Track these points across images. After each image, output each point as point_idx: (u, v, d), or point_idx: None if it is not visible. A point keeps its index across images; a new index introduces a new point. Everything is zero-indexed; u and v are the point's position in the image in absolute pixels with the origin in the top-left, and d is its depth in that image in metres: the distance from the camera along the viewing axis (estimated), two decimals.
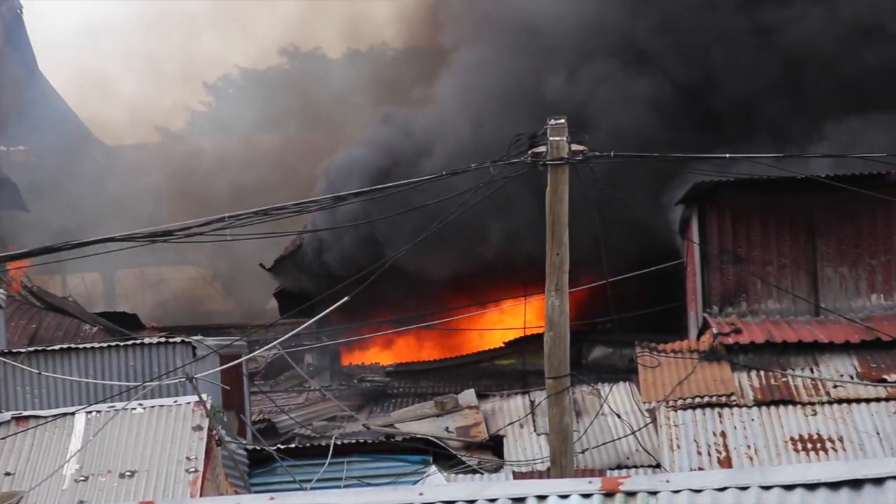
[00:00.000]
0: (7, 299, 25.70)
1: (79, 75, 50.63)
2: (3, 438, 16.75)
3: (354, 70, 49.37)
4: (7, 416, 17.31)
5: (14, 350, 21.75)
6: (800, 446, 19.02)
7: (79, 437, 16.75)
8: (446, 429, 22.73)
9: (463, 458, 21.47)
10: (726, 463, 18.74)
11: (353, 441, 20.77)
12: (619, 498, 7.90)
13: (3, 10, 44.00)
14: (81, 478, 16.22)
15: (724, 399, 19.86)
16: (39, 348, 21.69)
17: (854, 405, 19.67)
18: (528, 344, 33.36)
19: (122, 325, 34.92)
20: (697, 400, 19.89)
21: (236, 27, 54.04)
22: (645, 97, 32.99)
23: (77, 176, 44.75)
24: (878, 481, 7.83)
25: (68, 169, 44.72)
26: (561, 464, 15.84)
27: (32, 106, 44.49)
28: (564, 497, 7.93)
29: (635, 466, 21.14)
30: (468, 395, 23.94)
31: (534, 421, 22.58)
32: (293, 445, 21.39)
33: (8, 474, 16.42)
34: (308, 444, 21.16)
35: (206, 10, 54.29)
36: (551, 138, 16.06)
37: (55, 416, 17.09)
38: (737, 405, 19.76)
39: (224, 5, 53.67)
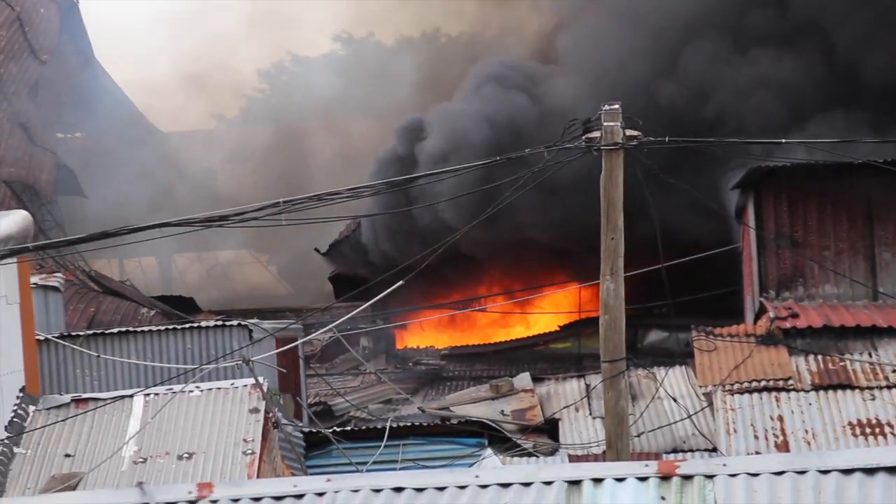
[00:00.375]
0: (65, 284, 25.94)
1: (134, 62, 50.96)
2: (63, 420, 16.92)
3: (408, 56, 49.39)
4: (67, 398, 17.49)
5: (73, 333, 21.97)
6: (858, 431, 18.90)
7: (137, 420, 16.90)
8: (501, 412, 22.73)
9: (518, 441, 21.48)
10: (783, 447, 18.65)
11: (409, 424, 20.82)
12: (675, 481, 7.88)
13: None
14: (140, 459, 16.37)
15: (781, 383, 19.77)
16: (98, 331, 21.91)
17: None
18: (584, 327, 33.34)
19: (179, 308, 35.19)
20: (754, 384, 19.81)
21: (290, 14, 54.11)
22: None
23: (133, 161, 45.06)
24: None
25: (124, 155, 45.04)
26: (616, 447, 15.82)
27: (89, 93, 44.82)
28: (621, 480, 7.92)
29: (691, 450, 21.07)
30: (523, 379, 23.93)
31: (589, 404, 22.55)
32: (349, 428, 21.47)
33: (68, 456, 16.60)
34: (364, 427, 21.22)
35: None
36: (605, 123, 16.03)
37: (114, 399, 17.24)
38: (794, 389, 19.66)
39: None
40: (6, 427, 16.68)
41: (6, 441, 16.44)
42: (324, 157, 48.30)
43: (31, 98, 41.00)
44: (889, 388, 19.58)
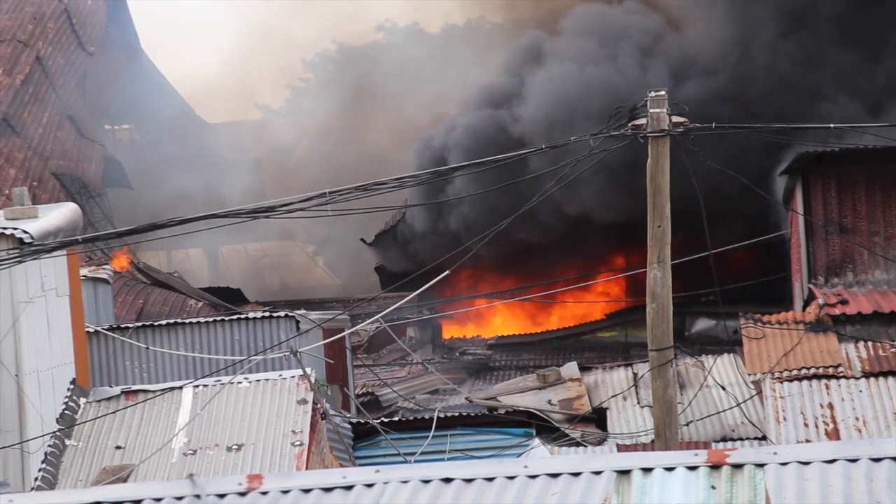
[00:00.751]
0: (114, 275, 26.10)
1: (180, 53, 51.17)
2: (113, 412, 17.02)
3: (453, 44, 49.33)
4: (117, 390, 17.59)
5: (122, 325, 22.11)
6: None
7: (186, 411, 16.98)
8: (549, 401, 22.69)
9: (566, 431, 21.44)
10: (834, 435, 18.52)
11: (456, 414, 20.82)
12: (725, 470, 7.84)
13: None
14: (190, 451, 16.45)
15: (831, 370, 19.62)
16: (147, 323, 22.03)
17: None
18: (630, 316, 33.24)
19: (227, 299, 35.35)
20: (804, 371, 19.68)
21: (333, 3, 54.17)
22: None
23: (179, 153, 45.27)
24: None
25: (171, 146, 45.26)
26: (665, 436, 15.75)
27: (136, 85, 45.05)
28: (670, 469, 7.88)
29: (741, 439, 20.97)
30: (571, 368, 23.88)
31: (637, 393, 22.47)
32: (397, 419, 21.50)
33: (119, 448, 16.70)
34: (411, 418, 21.25)
35: None
36: (651, 110, 15.94)
37: (163, 391, 17.33)
38: (844, 376, 19.51)
39: None
40: (58, 419, 16.81)
41: (58, 433, 16.56)
42: (370, 146, 48.33)
43: (79, 90, 41.26)
44: None
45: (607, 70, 34.78)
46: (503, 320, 38.31)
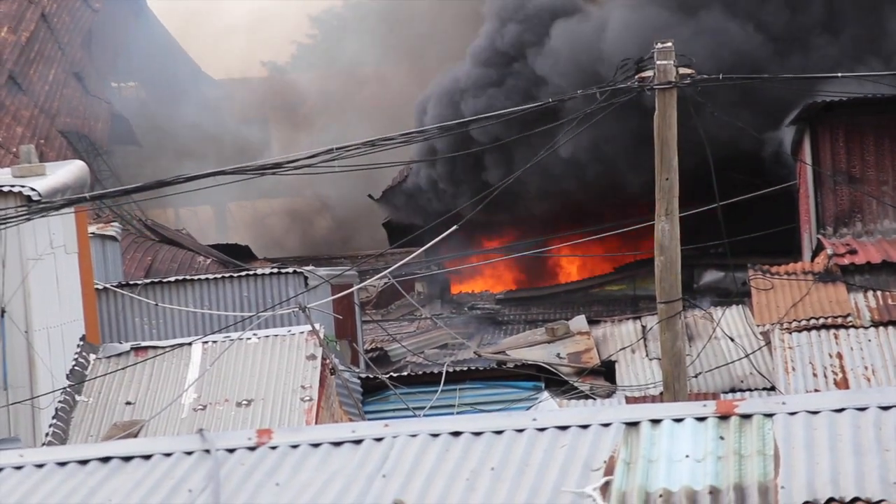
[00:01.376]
0: (122, 233, 26.13)
1: (185, 10, 50.99)
2: (123, 368, 17.09)
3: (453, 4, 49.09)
4: (126, 346, 17.64)
5: (131, 282, 22.15)
6: None
7: (196, 367, 17.03)
8: (558, 355, 22.74)
9: (575, 384, 21.49)
10: (843, 384, 18.55)
11: (465, 368, 20.87)
12: (734, 421, 7.84)
13: None
14: (199, 406, 16.51)
15: (839, 320, 19.62)
16: (155, 280, 22.07)
17: None
18: (639, 269, 33.24)
19: (235, 256, 35.40)
20: (813, 322, 19.68)
21: None
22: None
23: (187, 110, 45.20)
24: None
25: (178, 103, 45.18)
26: (674, 388, 15.78)
27: (141, 42, 44.93)
28: (679, 420, 7.89)
29: (749, 389, 21.00)
30: (579, 321, 23.91)
31: (646, 346, 22.51)
32: (406, 373, 21.56)
33: (129, 403, 16.76)
34: (420, 372, 21.30)
35: None
36: (658, 62, 15.87)
37: (172, 347, 17.39)
38: (853, 326, 19.51)
39: None
40: (68, 375, 16.88)
41: (68, 389, 16.63)
42: (376, 102, 48.21)
43: (85, 47, 41.17)
44: None
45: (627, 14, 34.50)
46: (512, 274, 38.34)
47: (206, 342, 17.45)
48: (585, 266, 36.89)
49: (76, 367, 17.08)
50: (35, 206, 15.82)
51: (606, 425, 7.93)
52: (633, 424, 7.94)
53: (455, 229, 17.62)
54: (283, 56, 57.41)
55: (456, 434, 7.97)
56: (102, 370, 17.16)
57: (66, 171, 17.83)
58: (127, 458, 7.93)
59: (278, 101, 51.91)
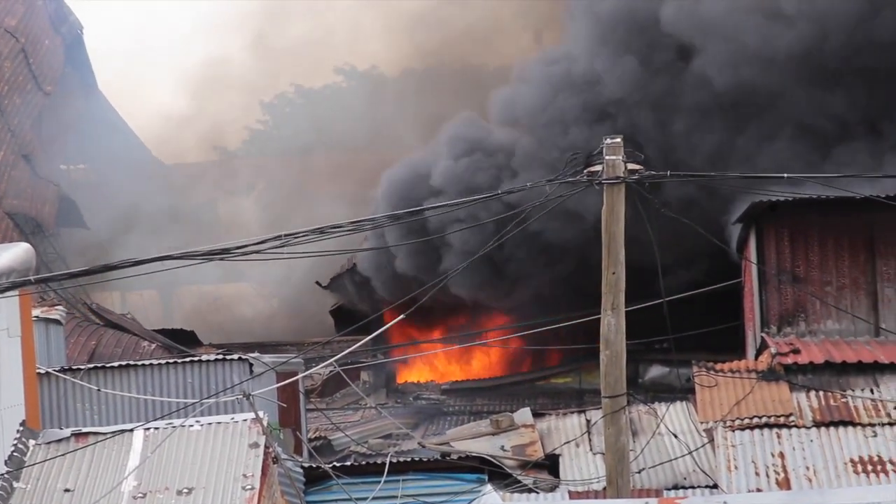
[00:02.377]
0: (67, 316, 25.93)
1: (136, 95, 51.13)
2: (62, 455, 16.88)
3: (410, 88, 49.53)
4: (67, 432, 17.45)
5: (74, 367, 21.94)
6: (860, 468, 18.84)
7: (137, 454, 16.86)
8: (502, 447, 22.68)
9: (519, 477, 21.41)
10: (785, 484, 18.60)
11: (409, 459, 20.76)
12: None
13: (64, 31, 44.51)
14: (140, 495, 16.32)
15: (782, 419, 19.72)
16: (98, 365, 21.88)
17: None
18: (585, 362, 33.30)
19: (180, 342, 35.17)
20: (756, 420, 19.76)
21: (292, 45, 54.30)
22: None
23: (135, 194, 45.14)
24: None
25: (127, 187, 45.12)
26: (617, 483, 15.77)
27: (92, 124, 44.94)
28: None
29: (692, 487, 20.98)
30: (524, 414, 23.88)
31: (590, 440, 22.49)
32: (349, 463, 21.42)
33: (67, 490, 16.55)
34: (364, 462, 21.17)
35: (262, 29, 54.70)
36: (607, 157, 16.08)
37: (114, 433, 17.21)
38: (795, 426, 19.61)
39: (281, 24, 54.04)
40: (6, 461, 16.64)
41: (6, 475, 16.39)
42: (327, 189, 48.35)
43: (35, 129, 41.10)
44: (891, 424, 19.54)
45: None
46: (457, 366, 38.32)
47: (148, 429, 17.29)
48: (535, 356, 36.96)
49: (15, 453, 16.85)
50: None
51: None
52: None
53: (401, 318, 17.64)
54: (234, 141, 57.57)
55: None
56: (42, 456, 16.94)
57: (11, 254, 17.72)
58: None
59: (229, 186, 51.96)
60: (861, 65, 30.91)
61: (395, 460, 20.32)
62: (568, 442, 22.49)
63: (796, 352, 21.03)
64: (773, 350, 21.15)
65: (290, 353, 27.46)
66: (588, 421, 23.08)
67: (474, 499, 19.70)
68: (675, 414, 22.58)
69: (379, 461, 20.46)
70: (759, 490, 18.22)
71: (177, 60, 54.47)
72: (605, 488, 16.34)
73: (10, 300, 17.22)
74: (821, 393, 20.17)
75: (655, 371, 32.35)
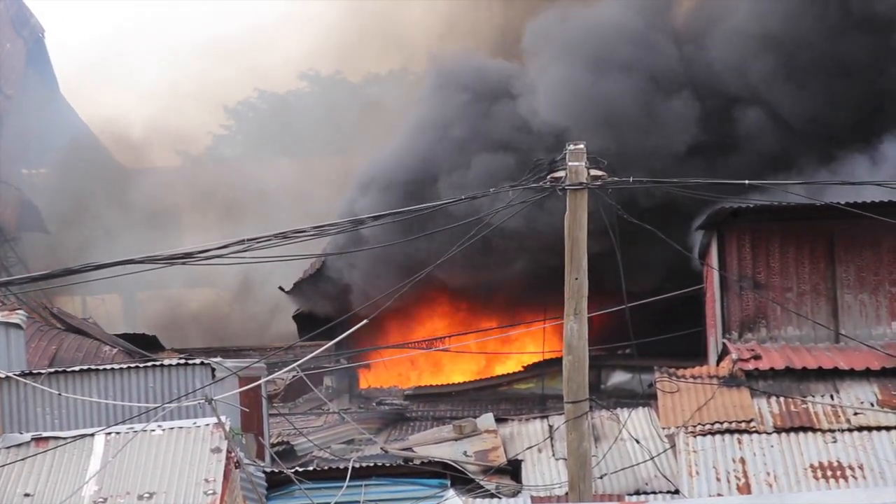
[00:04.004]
0: (27, 321, 25.79)
1: (98, 99, 50.93)
2: (22, 460, 16.80)
3: (374, 94, 49.55)
4: (27, 436, 17.37)
5: (34, 371, 21.81)
6: (819, 474, 18.96)
7: (98, 459, 16.80)
8: (465, 453, 22.70)
9: (481, 483, 21.44)
10: (745, 490, 18.69)
11: (372, 464, 20.76)
12: None
13: (25, 34, 44.29)
14: (100, 499, 16.26)
15: (743, 425, 19.82)
16: (59, 369, 21.74)
17: (874, 433, 19.61)
18: (547, 368, 33.35)
19: (142, 346, 35.01)
20: (717, 426, 19.86)
21: (257, 51, 54.24)
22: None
23: (97, 198, 44.96)
24: None
25: (88, 191, 44.93)
26: (579, 489, 15.84)
27: (53, 128, 44.72)
28: None
29: (654, 492, 21.06)
30: (487, 419, 23.91)
31: (552, 445, 22.55)
32: (311, 468, 21.39)
33: (27, 495, 16.47)
34: (326, 467, 21.15)
35: (227, 34, 54.62)
36: (570, 163, 16.16)
37: (74, 438, 17.14)
38: (756, 431, 19.72)
39: (245, 29, 53.98)
40: None
41: None
42: (290, 194, 48.29)
43: None
44: (850, 430, 19.66)
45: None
46: (420, 370, 38.32)
47: (110, 433, 17.24)
48: (495, 362, 36.99)
49: None
50: None
51: None
52: None
53: (365, 323, 17.64)
54: (197, 147, 57.42)
55: None
56: (1, 461, 16.86)
57: None
58: None
59: (192, 191, 51.83)
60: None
61: (357, 465, 20.31)
62: (530, 447, 22.53)
63: (757, 358, 21.14)
64: (734, 356, 21.25)
65: (253, 358, 27.39)
66: (550, 426, 23.14)
67: None
68: (637, 419, 22.66)
69: (341, 466, 20.44)
70: (720, 495, 18.31)
71: (140, 64, 54.30)
72: (567, 493, 16.39)
73: None
74: (781, 399, 20.28)
75: (618, 377, 32.45)
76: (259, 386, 22.33)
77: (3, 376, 20.23)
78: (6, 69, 42.17)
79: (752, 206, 21.72)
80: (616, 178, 16.47)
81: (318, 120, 50.47)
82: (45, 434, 17.51)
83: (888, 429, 19.60)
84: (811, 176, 28.67)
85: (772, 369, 20.87)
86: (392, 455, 23.13)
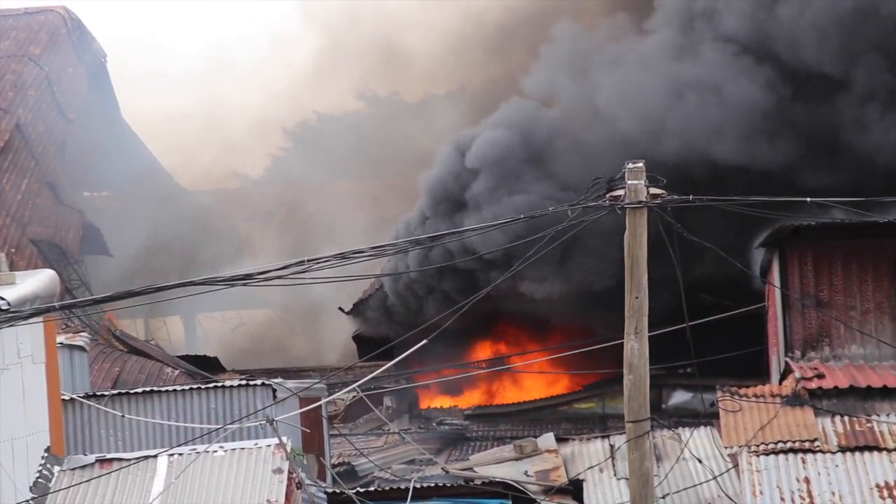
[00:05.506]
0: (91, 343, 26.02)
1: (160, 122, 51.36)
2: (87, 481, 16.91)
3: (432, 114, 49.64)
4: (91, 458, 17.49)
5: (98, 393, 22.00)
6: (885, 493, 18.74)
7: (161, 480, 16.89)
8: (525, 472, 22.64)
9: (542, 503, 21.37)
10: None
11: (433, 484, 20.75)
12: None
13: (88, 59, 44.78)
14: None
15: (807, 444, 19.64)
16: (122, 391, 21.93)
17: None
18: (608, 387, 33.25)
19: (203, 367, 35.25)
20: (780, 445, 19.69)
21: (315, 72, 54.49)
22: None
23: (159, 221, 45.32)
24: None
25: (150, 214, 45.31)
26: None
27: (115, 152, 45.16)
28: None
29: None
30: (547, 439, 23.84)
31: (613, 465, 22.44)
32: (372, 489, 21.41)
33: None
34: (387, 488, 21.16)
35: (285, 57, 54.94)
36: (629, 182, 16.08)
37: (138, 459, 17.25)
38: (820, 451, 19.52)
39: (302, 51, 54.27)
40: (31, 488, 16.69)
41: (31, 502, 16.43)
42: (348, 215, 48.46)
43: (59, 157, 41.32)
44: None
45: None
46: (481, 390, 38.29)
47: (172, 455, 17.33)
48: (555, 382, 36.90)
49: (40, 480, 16.90)
50: (3, 316, 15.77)
51: None
52: None
53: (425, 343, 17.64)
54: (257, 169, 57.76)
55: None
56: (66, 482, 16.99)
57: (35, 281, 17.80)
58: None
59: (251, 213, 52.13)
60: None
61: (418, 486, 20.31)
62: (592, 467, 22.43)
63: (821, 376, 20.95)
64: (797, 375, 21.08)
65: (313, 379, 27.49)
66: (612, 446, 23.03)
67: None
68: (699, 439, 22.52)
69: (403, 487, 20.45)
70: None
71: (199, 87, 54.70)
72: None
73: (34, 327, 17.29)
74: (846, 418, 20.08)
75: (679, 396, 32.29)
76: (320, 406, 22.41)
77: (67, 398, 20.40)
78: (68, 94, 42.64)
79: (814, 223, 21.57)
80: (676, 196, 16.39)
81: (376, 141, 50.65)
82: (108, 455, 17.63)
83: None
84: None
85: (835, 388, 20.68)
86: (453, 475, 23.10)
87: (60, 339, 21.49)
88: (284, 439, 17.42)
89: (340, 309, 41.50)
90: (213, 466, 17.04)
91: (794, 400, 20.57)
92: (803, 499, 18.77)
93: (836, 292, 22.13)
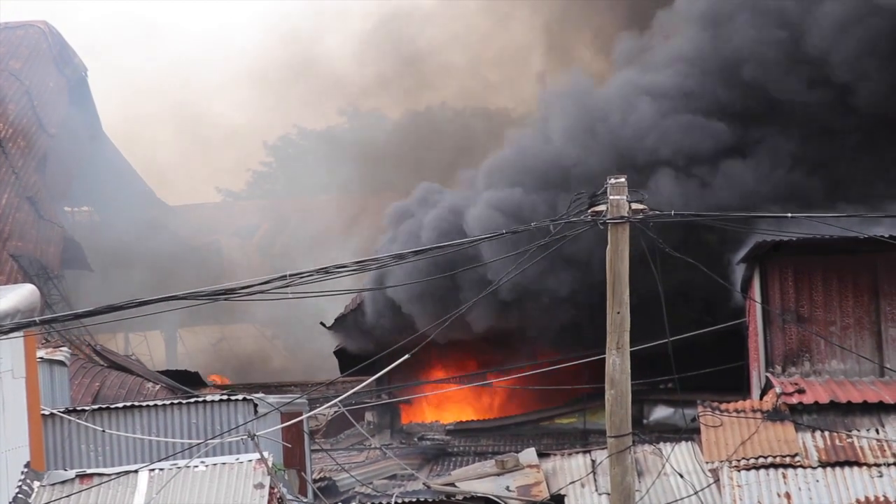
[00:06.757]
0: (71, 358, 25.94)
1: (140, 136, 51.35)
2: (67, 496, 16.86)
3: (413, 129, 49.72)
4: (71, 473, 17.43)
5: (78, 408, 21.93)
6: None
7: (142, 495, 16.85)
8: (507, 487, 22.62)
9: None
10: None
11: (414, 500, 20.73)
12: None
13: (68, 73, 44.71)
14: None
15: (788, 459, 19.69)
16: (103, 406, 21.86)
17: None
18: (589, 403, 33.24)
19: (184, 382, 35.14)
20: (761, 460, 19.73)
21: (296, 88, 54.56)
22: None
23: (139, 235, 45.25)
24: None
25: (131, 228, 45.23)
26: None
27: (96, 166, 45.08)
28: None
29: None
30: (529, 454, 23.83)
31: (595, 480, 22.44)
32: None
33: None
34: (368, 503, 21.13)
35: (266, 71, 54.98)
36: (611, 197, 16.12)
37: (119, 474, 17.20)
38: (801, 466, 19.58)
39: (285, 66, 54.32)
40: (10, 503, 16.62)
41: None
42: (330, 230, 48.47)
43: (40, 172, 41.22)
44: None
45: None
46: (462, 406, 38.27)
47: (153, 470, 17.28)
48: (536, 397, 36.89)
49: (19, 495, 16.84)
50: None
51: None
52: None
53: (406, 358, 17.64)
54: (238, 183, 57.77)
55: None
56: (46, 498, 16.93)
57: (15, 295, 17.75)
58: None
59: (232, 228, 52.10)
60: None
61: (400, 501, 20.29)
62: (573, 482, 22.42)
63: (801, 392, 21.01)
64: (777, 390, 21.13)
65: (295, 394, 27.44)
66: (593, 461, 23.03)
67: None
68: (680, 454, 22.53)
69: (384, 502, 20.42)
70: None
71: (180, 102, 54.71)
72: None
73: (14, 341, 17.24)
74: (826, 433, 20.14)
75: (660, 411, 32.31)
76: (301, 422, 22.36)
77: (47, 413, 20.33)
78: (49, 109, 42.56)
79: (794, 239, 21.63)
80: (657, 212, 16.43)
81: (356, 156, 50.69)
82: (89, 471, 17.58)
83: None
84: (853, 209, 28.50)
85: (816, 403, 20.74)
86: (434, 490, 23.08)
87: (40, 353, 21.41)
88: (266, 454, 17.39)
89: (322, 324, 41.47)
90: (195, 481, 17.00)
91: (774, 415, 20.63)
92: None
93: (816, 308, 22.20)
